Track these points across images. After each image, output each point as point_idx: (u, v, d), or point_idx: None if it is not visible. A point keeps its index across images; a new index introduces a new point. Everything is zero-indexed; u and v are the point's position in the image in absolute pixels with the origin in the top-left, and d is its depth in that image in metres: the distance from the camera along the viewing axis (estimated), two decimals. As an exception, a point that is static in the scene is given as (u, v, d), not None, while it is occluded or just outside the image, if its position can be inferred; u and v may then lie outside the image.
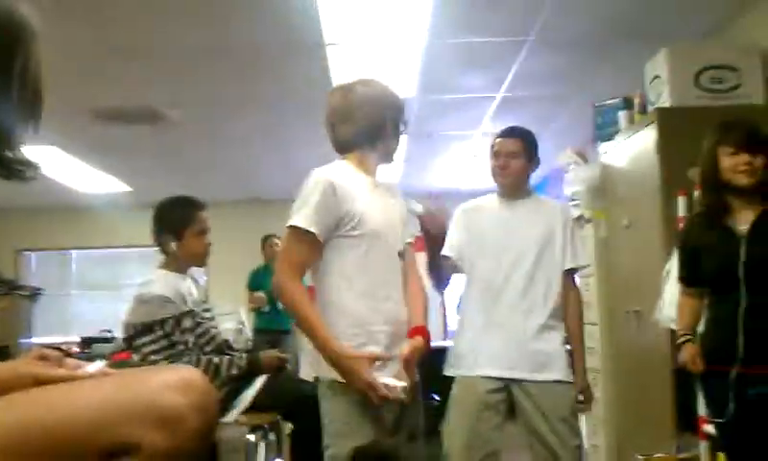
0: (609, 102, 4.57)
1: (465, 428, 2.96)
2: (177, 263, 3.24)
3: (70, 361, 1.37)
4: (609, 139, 4.49)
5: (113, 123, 5.98)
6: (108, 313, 9.64)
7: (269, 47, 4.58)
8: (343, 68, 4.89)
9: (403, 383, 2.31)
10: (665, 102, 3.88)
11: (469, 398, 2.98)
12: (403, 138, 2.68)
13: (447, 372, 3.10)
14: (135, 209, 9.19)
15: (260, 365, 3.25)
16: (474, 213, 3.22)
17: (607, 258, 4.61)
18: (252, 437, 3.11)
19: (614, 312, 4.45)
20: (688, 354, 2.73)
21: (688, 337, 2.80)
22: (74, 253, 10.02)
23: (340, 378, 2.33)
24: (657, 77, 3.97)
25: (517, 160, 3.13)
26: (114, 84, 5.13)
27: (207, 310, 3.31)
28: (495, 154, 3.16)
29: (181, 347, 3.04)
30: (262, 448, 3.28)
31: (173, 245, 3.22)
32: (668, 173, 3.74)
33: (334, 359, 2.30)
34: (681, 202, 3.62)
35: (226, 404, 3.11)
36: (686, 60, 3.92)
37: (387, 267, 2.47)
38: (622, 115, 4.35)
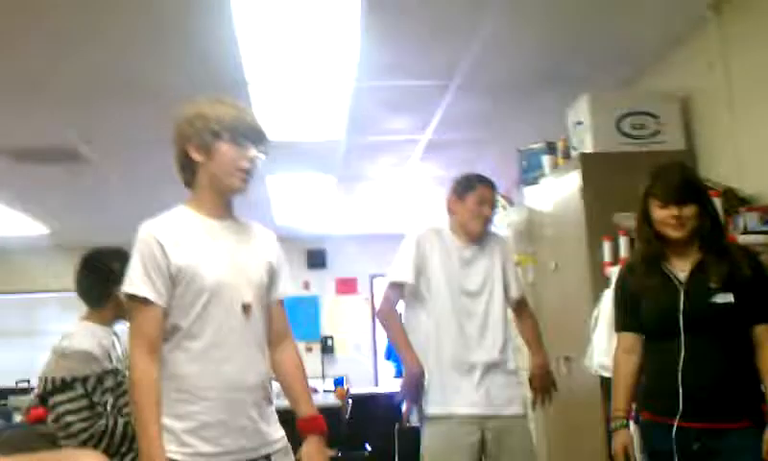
0: (533, 146, 4.61)
1: None
2: (102, 315, 3.07)
3: None
4: (533, 183, 4.52)
5: (26, 161, 5.78)
6: (24, 360, 9.26)
7: (187, 84, 4.43)
8: (265, 108, 4.81)
9: None
10: (588, 147, 3.91)
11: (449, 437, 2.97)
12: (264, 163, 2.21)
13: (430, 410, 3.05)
14: (53, 252, 8.93)
15: None
16: (434, 242, 3.18)
17: (535, 302, 4.59)
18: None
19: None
20: (620, 446, 2.62)
21: (622, 422, 2.65)
22: (-13, 298, 9.61)
23: None
24: (579, 122, 4.01)
25: (493, 212, 3.24)
26: (26, 121, 4.95)
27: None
28: (481, 201, 3.15)
29: (100, 408, 2.87)
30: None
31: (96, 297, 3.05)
32: (593, 217, 3.77)
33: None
34: (606, 246, 3.64)
35: None
36: (608, 106, 3.97)
37: (229, 325, 2.08)
38: (546, 159, 4.39)
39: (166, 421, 2.02)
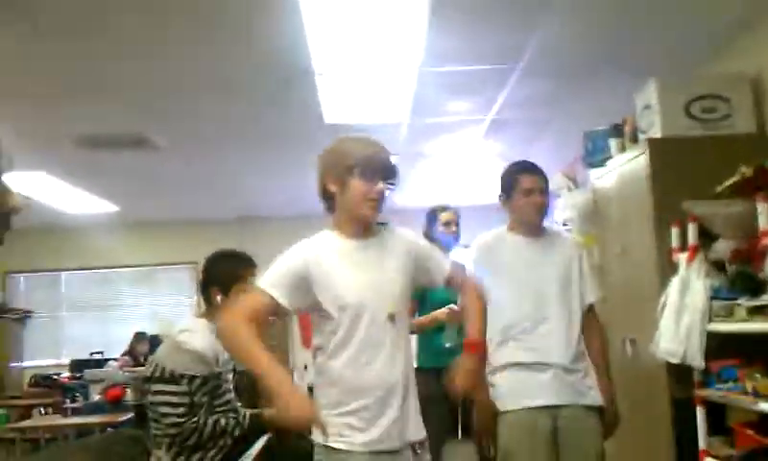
0: (599, 128, 4.58)
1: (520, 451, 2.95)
2: (219, 317, 3.21)
3: None
4: (598, 165, 4.50)
5: (98, 148, 5.97)
6: (98, 334, 9.62)
7: (256, 75, 4.57)
8: (332, 96, 4.89)
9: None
10: (656, 132, 3.88)
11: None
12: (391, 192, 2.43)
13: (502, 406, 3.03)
14: (123, 229, 9.20)
15: (263, 423, 3.21)
16: (495, 248, 3.15)
17: (601, 285, 4.60)
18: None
19: (610, 339, 4.44)
20: None
21: None
22: (63, 274, 9.94)
23: (330, 444, 2.27)
24: (647, 106, 3.98)
25: (546, 197, 3.12)
26: (102, 112, 5.12)
27: (232, 370, 3.30)
28: (529, 191, 3.06)
29: (197, 409, 3.02)
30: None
31: (218, 298, 3.17)
32: (661, 202, 3.75)
33: (275, 388, 2.17)
34: (674, 233, 3.62)
35: None
36: (677, 89, 3.93)
37: (370, 335, 2.32)
38: (613, 142, 4.36)
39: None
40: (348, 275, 2.33)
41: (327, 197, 2.44)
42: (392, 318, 2.35)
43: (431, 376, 3.41)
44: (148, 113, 5.28)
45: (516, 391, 2.99)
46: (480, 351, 2.55)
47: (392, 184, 2.41)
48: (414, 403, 2.41)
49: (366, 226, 2.42)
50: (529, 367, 2.98)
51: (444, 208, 4.34)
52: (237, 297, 3.14)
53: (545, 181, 3.13)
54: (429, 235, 4.11)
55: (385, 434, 2.30)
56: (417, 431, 2.40)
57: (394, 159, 2.43)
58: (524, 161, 3.18)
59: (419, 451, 2.39)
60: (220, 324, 2.34)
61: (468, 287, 2.59)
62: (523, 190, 3.07)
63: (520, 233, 3.14)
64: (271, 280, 2.29)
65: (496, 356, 3.03)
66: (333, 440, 2.27)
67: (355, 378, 2.30)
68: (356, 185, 2.35)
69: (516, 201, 3.09)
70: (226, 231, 8.27)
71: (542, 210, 3.10)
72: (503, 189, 3.16)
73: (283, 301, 2.27)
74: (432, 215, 4.33)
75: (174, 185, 7.77)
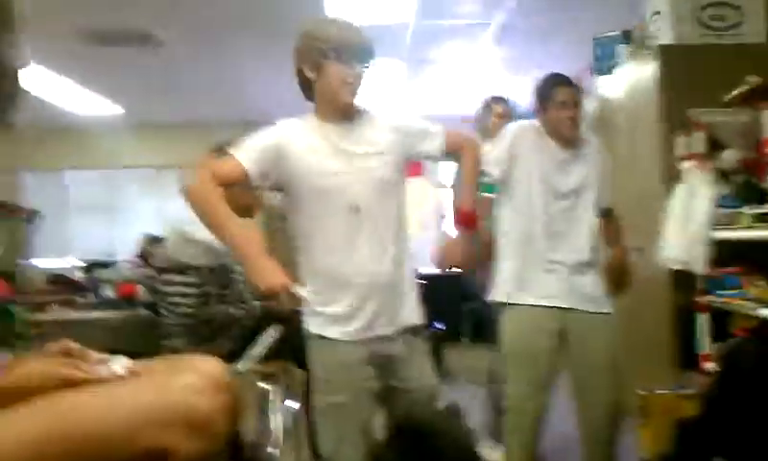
0: (609, 34, 4.53)
1: (523, 344, 2.99)
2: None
3: (92, 355, 1.39)
4: (607, 72, 4.48)
5: (102, 44, 5.88)
6: (106, 235, 9.70)
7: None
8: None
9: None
10: (666, 38, 3.86)
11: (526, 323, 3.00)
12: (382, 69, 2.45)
13: (498, 298, 3.08)
14: (129, 131, 9.17)
15: (272, 314, 3.24)
16: (531, 139, 3.07)
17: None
18: (263, 384, 3.17)
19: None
20: None
21: None
22: (68, 174, 9.94)
23: (322, 333, 2.35)
24: (657, 12, 3.94)
25: (580, 109, 3.08)
26: (102, 4, 5.02)
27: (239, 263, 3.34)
28: (563, 104, 3.01)
29: (206, 298, 3.07)
30: (274, 394, 3.35)
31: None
32: (668, 110, 3.76)
33: (244, 253, 2.23)
34: (681, 141, 3.64)
35: (240, 351, 3.12)
36: (689, -4, 3.86)
37: (343, 225, 2.32)
38: (622, 49, 4.32)
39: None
40: (320, 160, 2.33)
41: (305, 83, 2.42)
42: (357, 209, 2.33)
43: None
44: (151, 7, 5.16)
45: (521, 285, 3.02)
46: (471, 221, 2.57)
47: (367, 67, 2.38)
48: (410, 294, 2.44)
49: (346, 110, 2.40)
50: (538, 266, 3.00)
51: (498, 100, 4.07)
52: (239, 191, 3.17)
53: (580, 93, 3.11)
54: (482, 128, 3.93)
55: (371, 321, 2.35)
56: (411, 316, 2.43)
57: (369, 41, 2.39)
58: (559, 74, 3.13)
59: (413, 336, 2.43)
60: (189, 186, 2.34)
61: (467, 149, 2.59)
62: (558, 103, 3.02)
63: (556, 140, 3.08)
64: (242, 148, 2.32)
65: (506, 250, 3.07)
66: (320, 328, 2.35)
67: (333, 269, 2.34)
68: (333, 70, 2.34)
69: (550, 113, 3.06)
70: (229, 134, 8.25)
71: (576, 123, 3.06)
72: (538, 101, 3.12)
73: (251, 166, 2.29)
74: (486, 108, 4.07)
75: (179, 85, 7.68)
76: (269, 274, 2.17)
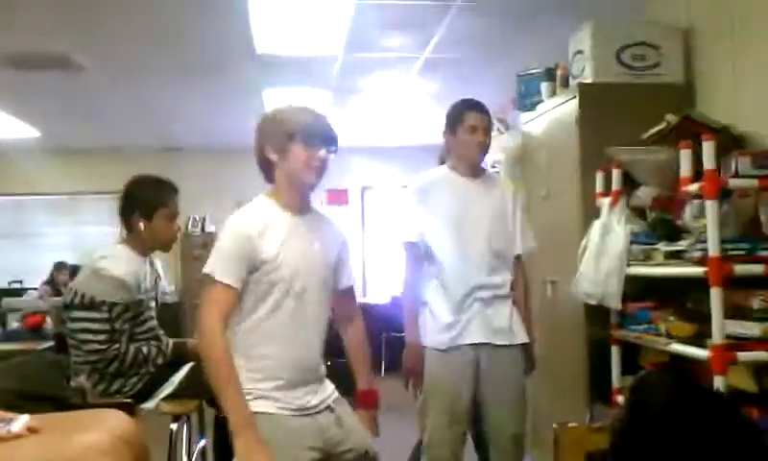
0: (532, 71, 4.58)
1: (445, 399, 3.01)
2: (140, 243, 3.14)
3: None
4: (530, 109, 4.51)
5: (19, 67, 5.71)
6: (15, 262, 9.33)
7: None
8: (265, 24, 4.76)
9: None
10: (588, 76, 3.90)
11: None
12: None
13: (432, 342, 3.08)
14: (44, 155, 8.89)
15: (186, 352, 3.18)
16: (433, 190, 3.14)
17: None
18: (174, 426, 3.07)
19: (531, 280, 4.52)
20: None
21: None
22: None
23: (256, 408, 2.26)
24: (579, 52, 3.99)
25: (489, 137, 3.13)
26: (19, 27, 4.88)
27: (154, 298, 3.25)
28: (472, 128, 3.06)
29: (117, 336, 2.96)
30: (184, 436, 3.24)
31: (141, 224, 3.11)
32: (587, 148, 3.78)
33: (239, 429, 2.15)
34: (599, 177, 3.67)
35: (150, 390, 3.05)
36: (609, 35, 3.92)
37: (297, 311, 2.36)
38: (544, 86, 4.37)
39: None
40: (286, 248, 2.33)
41: (266, 166, 2.43)
42: (318, 293, 2.41)
43: None
44: (71, 32, 5.03)
45: (439, 328, 3.05)
46: (375, 399, 2.62)
47: (333, 151, 2.43)
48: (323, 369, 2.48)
49: (304, 195, 2.44)
50: (454, 305, 3.03)
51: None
52: (161, 224, 3.11)
53: (490, 120, 3.14)
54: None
55: (305, 400, 2.35)
56: (331, 393, 2.48)
57: (334, 128, 2.44)
58: (471, 99, 3.17)
59: (336, 412, 2.44)
60: (205, 344, 2.22)
61: (357, 316, 2.67)
62: (468, 127, 3.07)
63: (459, 173, 3.14)
64: (227, 270, 2.26)
65: (427, 293, 3.10)
66: (256, 404, 2.26)
67: (283, 349, 2.33)
68: (298, 152, 2.35)
69: (459, 137, 3.09)
70: (149, 161, 8.06)
71: (484, 149, 3.12)
72: (448, 125, 3.15)
73: (238, 284, 2.26)
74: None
75: (97, 111, 7.50)
76: (254, 454, 2.12)
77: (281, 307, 2.32)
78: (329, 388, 2.49)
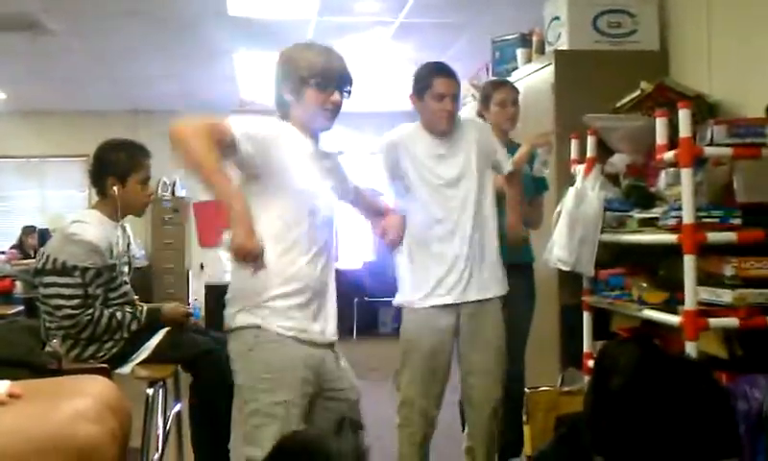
0: (507, 37, 4.56)
1: (423, 357, 2.98)
2: (113, 208, 3.09)
3: None
4: (506, 75, 4.49)
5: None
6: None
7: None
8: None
9: None
10: (563, 43, 3.90)
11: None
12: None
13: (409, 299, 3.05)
14: (11, 117, 8.72)
15: (161, 318, 3.16)
16: (405, 144, 3.06)
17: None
18: (150, 391, 3.05)
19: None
20: None
21: None
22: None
23: (267, 326, 2.25)
24: (556, 18, 3.99)
25: (457, 103, 3.04)
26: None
27: (127, 263, 3.21)
28: (440, 96, 2.96)
29: (91, 300, 2.93)
30: (159, 401, 3.23)
31: (114, 189, 3.06)
32: (563, 115, 3.79)
33: (226, 203, 2.06)
34: (574, 144, 3.68)
35: (125, 355, 3.03)
36: (585, 2, 3.93)
37: (314, 231, 2.35)
38: (520, 53, 4.36)
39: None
40: (305, 168, 2.33)
41: (283, 105, 2.41)
42: (330, 219, 2.42)
43: None
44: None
45: (420, 287, 3.01)
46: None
47: (348, 92, 2.42)
48: (333, 304, 2.46)
49: (317, 137, 2.42)
50: (437, 263, 2.99)
51: (498, 86, 3.58)
52: (134, 188, 3.08)
53: (458, 86, 3.05)
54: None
55: (319, 328, 2.35)
56: (335, 332, 2.45)
57: (348, 67, 2.42)
58: (440, 63, 3.08)
59: (335, 351, 2.45)
60: (178, 125, 2.10)
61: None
62: (436, 95, 2.97)
63: (431, 132, 3.05)
64: (239, 122, 2.22)
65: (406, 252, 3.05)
66: (269, 322, 2.25)
67: (298, 270, 2.30)
68: (312, 96, 2.34)
69: (427, 105, 3.01)
70: (119, 124, 7.98)
71: (452, 118, 3.02)
72: (415, 89, 3.06)
73: (242, 139, 2.17)
74: (485, 97, 3.60)
75: (65, 73, 7.36)
76: (244, 234, 2.03)
77: (301, 224, 2.31)
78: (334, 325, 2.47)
